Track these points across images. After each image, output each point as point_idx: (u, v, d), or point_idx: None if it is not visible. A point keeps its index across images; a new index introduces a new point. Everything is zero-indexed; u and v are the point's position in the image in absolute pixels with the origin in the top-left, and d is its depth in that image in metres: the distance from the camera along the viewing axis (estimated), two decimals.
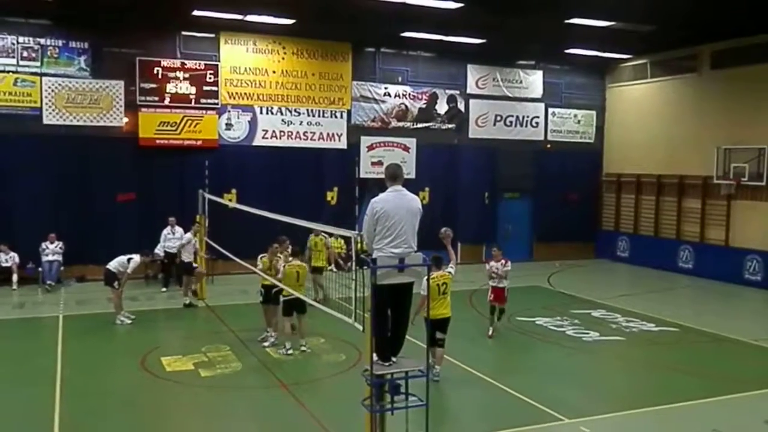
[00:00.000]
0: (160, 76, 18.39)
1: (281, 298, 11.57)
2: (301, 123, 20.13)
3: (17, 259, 16.96)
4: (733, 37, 19.25)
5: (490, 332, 13.04)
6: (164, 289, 17.03)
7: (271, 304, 12.21)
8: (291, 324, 11.75)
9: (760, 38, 18.61)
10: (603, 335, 13.41)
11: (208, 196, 16.10)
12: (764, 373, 11.24)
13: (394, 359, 6.82)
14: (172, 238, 17.06)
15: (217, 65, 19.06)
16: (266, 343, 12.16)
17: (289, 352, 11.65)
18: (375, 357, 6.67)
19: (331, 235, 14.32)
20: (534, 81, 23.19)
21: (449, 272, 10.46)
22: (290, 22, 17.91)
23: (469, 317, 14.88)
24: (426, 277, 9.86)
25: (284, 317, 11.85)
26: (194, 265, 15.56)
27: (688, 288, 19.41)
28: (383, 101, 21.15)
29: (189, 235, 15.87)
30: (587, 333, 13.53)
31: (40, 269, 17.02)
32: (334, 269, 17.87)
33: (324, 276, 15.24)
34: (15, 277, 16.77)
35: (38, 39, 17.45)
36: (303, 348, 11.83)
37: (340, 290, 10.56)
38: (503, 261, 13.02)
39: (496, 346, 12.73)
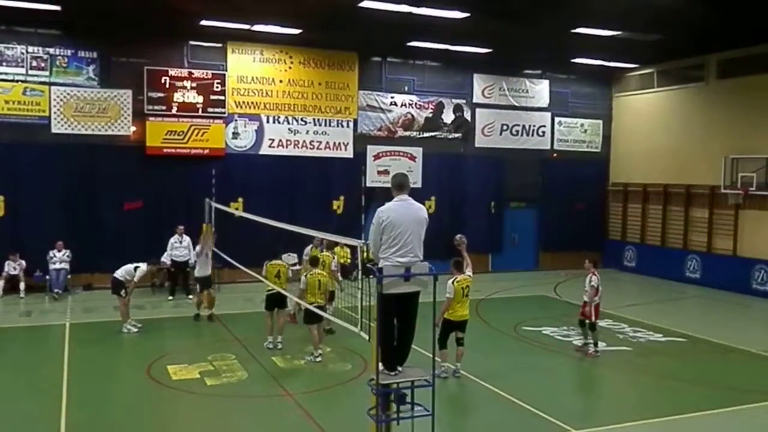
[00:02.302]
0: (167, 86, 18.49)
1: (306, 307, 11.41)
2: (307, 132, 20.19)
3: (25, 267, 17.02)
4: (740, 47, 19.23)
5: (583, 347, 12.76)
6: (171, 298, 17.05)
7: (271, 310, 12.47)
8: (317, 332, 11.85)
9: (767, 48, 18.59)
10: (610, 345, 13.33)
11: (214, 204, 16.14)
12: None
13: (400, 369, 6.81)
14: (180, 247, 17.10)
15: (224, 74, 19.16)
16: (270, 345, 12.39)
17: (318, 359, 11.69)
18: (381, 366, 6.66)
19: (336, 244, 14.24)
20: (540, 90, 23.21)
21: (469, 275, 10.92)
22: (297, 31, 18.02)
23: (475, 327, 14.83)
24: (451, 280, 10.25)
25: (309, 325, 11.82)
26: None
27: (696, 298, 19.30)
28: (389, 110, 21.19)
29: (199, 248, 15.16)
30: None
31: (47, 277, 17.06)
32: (340, 278, 17.83)
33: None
34: (22, 285, 16.84)
35: (47, 48, 17.58)
36: (318, 355, 11.91)
37: (346, 299, 10.61)
38: (589, 275, 12.56)
39: (501, 355, 12.68)
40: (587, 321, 12.57)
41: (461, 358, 11.05)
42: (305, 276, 11.68)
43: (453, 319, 10.77)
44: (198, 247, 14.96)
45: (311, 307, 11.20)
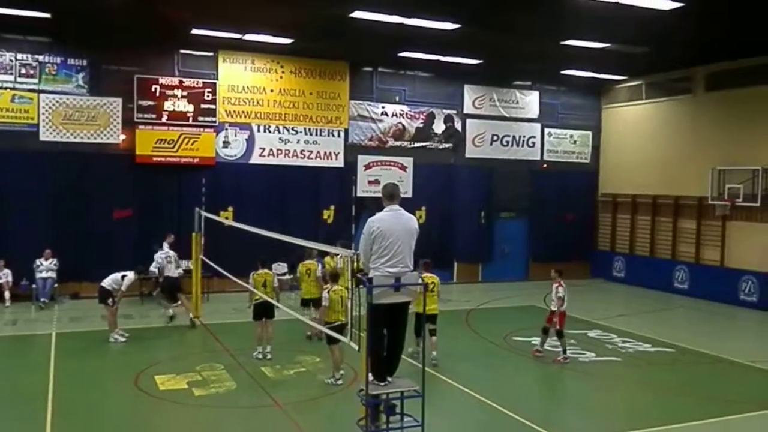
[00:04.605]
0: (158, 94, 18.44)
1: (327, 325, 10.55)
2: (298, 141, 20.18)
3: (10, 277, 16.86)
4: (727, 60, 19.44)
5: (541, 352, 13.07)
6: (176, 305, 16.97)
7: (259, 320, 12.41)
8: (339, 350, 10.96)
9: (754, 61, 18.79)
10: (599, 356, 13.36)
11: (204, 213, 16.08)
12: (761, 394, 11.22)
13: (389, 379, 6.80)
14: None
15: (215, 83, 19.14)
16: (259, 355, 12.33)
17: (339, 381, 10.94)
18: (370, 377, 6.65)
19: (326, 254, 14.20)
20: (530, 101, 23.34)
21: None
22: (288, 41, 18.04)
23: (465, 337, 14.84)
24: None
25: (331, 345, 10.88)
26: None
27: (684, 308, 19.39)
28: (380, 120, 21.23)
29: (166, 249, 15.75)
30: (583, 353, 13.46)
31: (33, 286, 16.91)
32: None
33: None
34: (7, 294, 16.67)
35: (37, 56, 17.51)
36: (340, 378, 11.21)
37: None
38: (555, 285, 12.77)
39: (491, 366, 12.67)
40: (552, 328, 12.78)
41: (435, 347, 11.93)
42: (327, 293, 10.75)
43: (421, 311, 11.12)
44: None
45: (327, 331, 10.43)
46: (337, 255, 13.19)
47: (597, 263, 24.04)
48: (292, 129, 20.12)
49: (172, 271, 15.39)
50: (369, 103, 21.06)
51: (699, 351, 13.98)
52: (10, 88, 17.30)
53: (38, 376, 11.16)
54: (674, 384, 11.83)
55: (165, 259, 15.55)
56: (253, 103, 19.69)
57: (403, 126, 21.54)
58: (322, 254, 14.32)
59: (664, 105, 22.22)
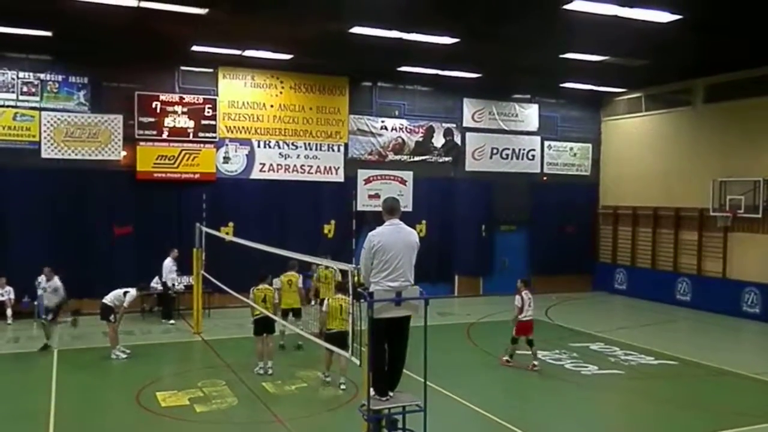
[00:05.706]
0: (158, 111, 18.52)
1: (326, 333, 10.99)
2: (298, 156, 20.23)
3: (12, 294, 16.85)
4: (725, 72, 19.52)
5: (534, 365, 13.02)
6: (173, 322, 16.99)
7: (260, 335, 12.40)
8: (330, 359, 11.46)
9: (753, 72, 18.86)
10: (602, 369, 13.30)
11: (205, 229, 16.09)
12: (766, 406, 11.15)
13: (391, 394, 6.77)
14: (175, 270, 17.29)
15: (215, 99, 19.22)
16: (260, 371, 12.29)
17: (328, 379, 11.57)
18: (372, 392, 6.63)
19: (323, 268, 14.21)
20: (530, 114, 23.41)
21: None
22: (288, 57, 18.14)
23: (466, 351, 14.80)
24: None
25: (328, 352, 11.21)
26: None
27: (687, 320, 19.33)
28: (380, 135, 21.28)
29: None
30: (586, 366, 13.42)
31: (35, 303, 16.89)
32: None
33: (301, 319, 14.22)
34: (9, 312, 16.64)
35: (38, 74, 17.61)
36: (342, 385, 11.43)
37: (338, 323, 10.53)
38: (517, 295, 13.14)
39: (493, 380, 12.63)
40: (527, 337, 13.00)
41: None
42: (328, 300, 11.34)
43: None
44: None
45: (321, 342, 10.73)
46: (328, 267, 13.29)
47: (598, 276, 23.99)
48: (292, 144, 20.17)
49: (51, 301, 14.53)
50: (368, 117, 21.13)
51: (702, 363, 13.92)
52: (12, 106, 17.38)
53: (40, 393, 11.14)
54: (677, 397, 11.77)
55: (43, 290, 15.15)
56: (253, 119, 19.76)
57: (403, 140, 21.60)
58: (304, 267, 14.40)
59: (663, 117, 22.28)
